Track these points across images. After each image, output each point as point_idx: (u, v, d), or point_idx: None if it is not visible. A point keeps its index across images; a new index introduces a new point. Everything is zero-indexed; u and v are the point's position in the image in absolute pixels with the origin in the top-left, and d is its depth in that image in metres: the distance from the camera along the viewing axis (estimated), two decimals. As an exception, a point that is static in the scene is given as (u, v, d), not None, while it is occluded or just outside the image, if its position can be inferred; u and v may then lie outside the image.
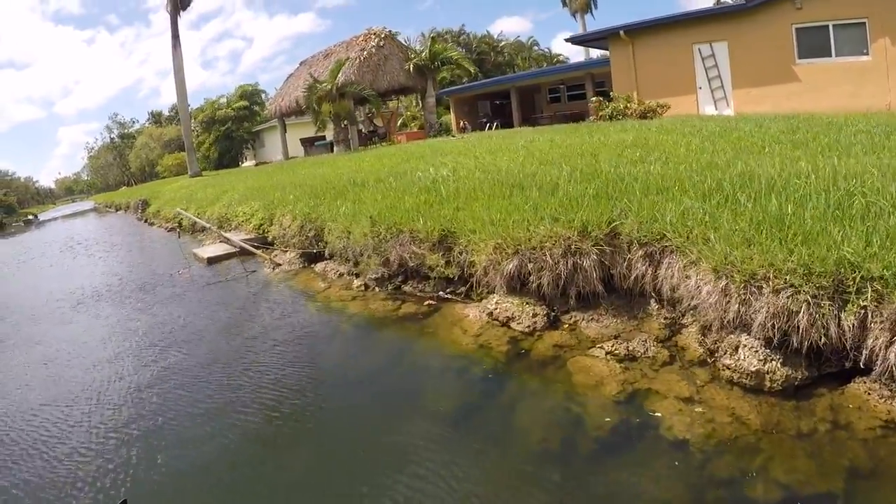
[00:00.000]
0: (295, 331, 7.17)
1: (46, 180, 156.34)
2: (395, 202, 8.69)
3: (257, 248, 11.96)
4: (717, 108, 18.63)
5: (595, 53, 34.36)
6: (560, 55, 64.20)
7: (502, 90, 31.71)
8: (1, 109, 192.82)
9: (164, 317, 8.95)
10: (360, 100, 26.65)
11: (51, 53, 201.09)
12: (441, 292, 6.98)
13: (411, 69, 27.09)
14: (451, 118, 34.19)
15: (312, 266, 10.26)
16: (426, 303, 7.00)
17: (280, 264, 11.06)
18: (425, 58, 27.16)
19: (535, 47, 60.54)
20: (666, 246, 5.13)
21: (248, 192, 17.07)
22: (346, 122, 23.53)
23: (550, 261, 5.53)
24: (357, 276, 8.49)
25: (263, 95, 47.77)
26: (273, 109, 28.31)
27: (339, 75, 22.90)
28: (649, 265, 5.28)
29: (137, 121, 77.63)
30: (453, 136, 23.23)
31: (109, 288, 11.98)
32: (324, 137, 29.77)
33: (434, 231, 7.03)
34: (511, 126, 26.91)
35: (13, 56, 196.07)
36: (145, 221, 26.04)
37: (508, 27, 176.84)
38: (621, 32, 20.13)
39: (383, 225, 7.89)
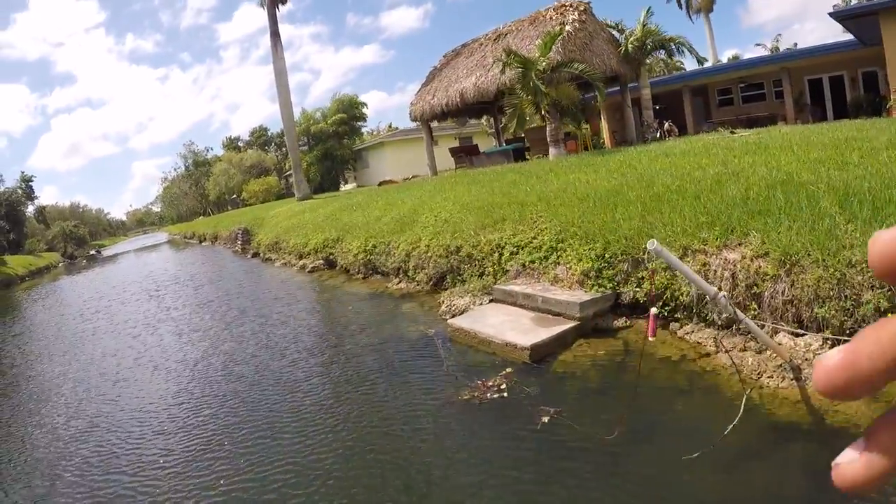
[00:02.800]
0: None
1: (118, 213, 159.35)
2: None
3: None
4: None
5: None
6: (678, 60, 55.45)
7: (666, 92, 24.52)
8: (79, 146, 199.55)
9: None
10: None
11: (126, 91, 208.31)
12: None
13: (621, 53, 19.40)
14: (586, 127, 26.37)
15: None
16: None
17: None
18: (639, 39, 19.33)
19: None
20: None
21: (481, 211, 9.47)
22: (562, 116, 15.63)
23: None
24: None
25: (364, 109, 40.93)
26: (417, 112, 20.87)
27: (551, 53, 15.15)
28: None
29: (212, 149, 73.39)
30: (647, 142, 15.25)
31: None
32: (510, 141, 22.07)
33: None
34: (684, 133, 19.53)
35: (91, 95, 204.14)
36: (254, 256, 18.83)
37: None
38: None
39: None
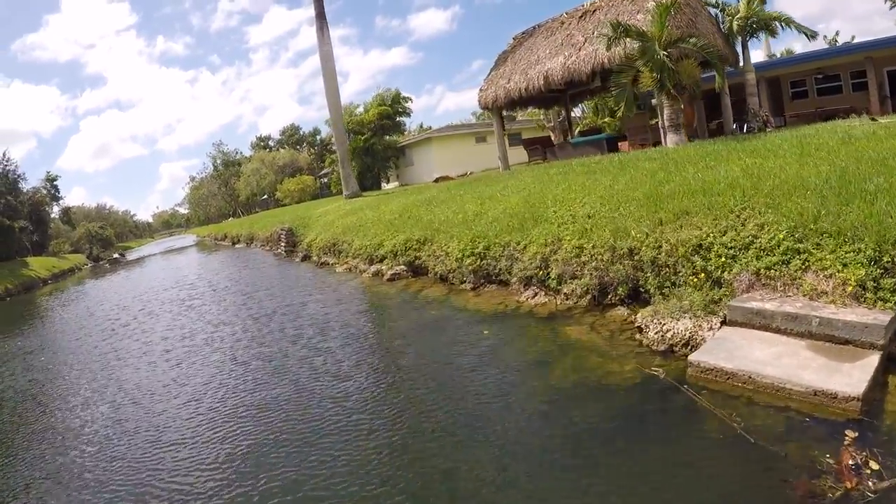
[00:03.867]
0: None
1: (145, 214, 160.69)
2: None
3: None
4: None
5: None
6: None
7: (733, 84, 21.58)
8: (108, 147, 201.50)
9: None
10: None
11: (155, 93, 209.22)
12: None
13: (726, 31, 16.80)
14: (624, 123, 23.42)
15: None
16: None
17: None
18: (744, 17, 16.68)
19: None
20: None
21: (646, 203, 6.93)
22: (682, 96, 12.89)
23: None
24: None
25: (409, 103, 38.32)
26: (488, 99, 18.29)
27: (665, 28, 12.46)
28: None
29: (240, 151, 71.61)
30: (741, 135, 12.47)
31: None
32: (596, 131, 19.43)
33: None
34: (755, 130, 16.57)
35: (120, 96, 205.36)
36: (304, 259, 16.42)
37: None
38: None
39: None
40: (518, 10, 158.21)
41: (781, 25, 17.74)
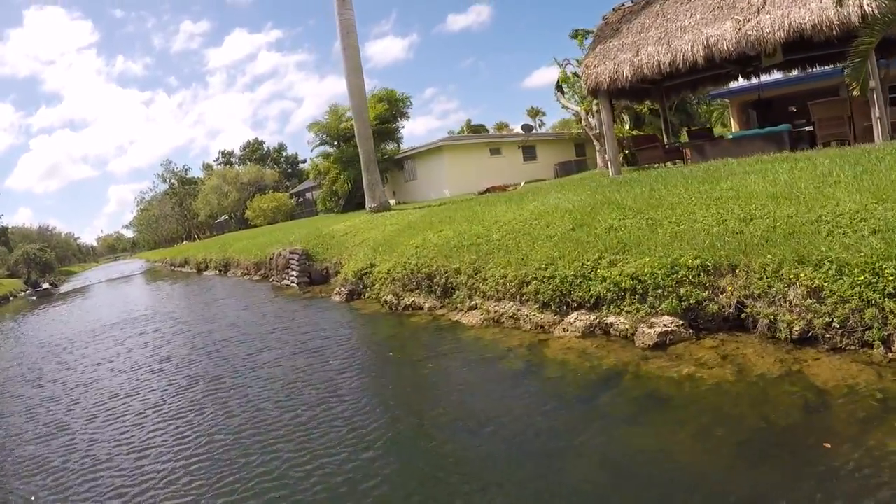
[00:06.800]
0: None
1: (89, 238, 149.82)
2: None
3: None
4: None
5: None
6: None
7: (803, 91, 17.99)
8: (58, 168, 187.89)
9: None
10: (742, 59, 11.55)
11: (111, 114, 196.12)
12: None
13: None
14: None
15: None
16: None
17: None
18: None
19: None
20: None
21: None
22: None
23: None
24: None
25: (408, 105, 32.27)
26: (603, 78, 12.75)
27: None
28: None
29: (191, 169, 63.81)
30: None
31: None
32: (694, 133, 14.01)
33: None
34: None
35: (74, 115, 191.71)
36: (353, 299, 10.20)
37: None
38: None
39: None
40: (473, 38, 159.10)
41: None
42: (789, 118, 16.67)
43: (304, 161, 60.76)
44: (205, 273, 26.46)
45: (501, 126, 53.65)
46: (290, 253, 14.36)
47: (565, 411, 4.40)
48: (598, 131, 23.91)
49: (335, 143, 31.56)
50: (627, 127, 26.76)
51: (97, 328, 12.74)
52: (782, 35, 10.36)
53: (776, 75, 18.47)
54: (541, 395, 4.83)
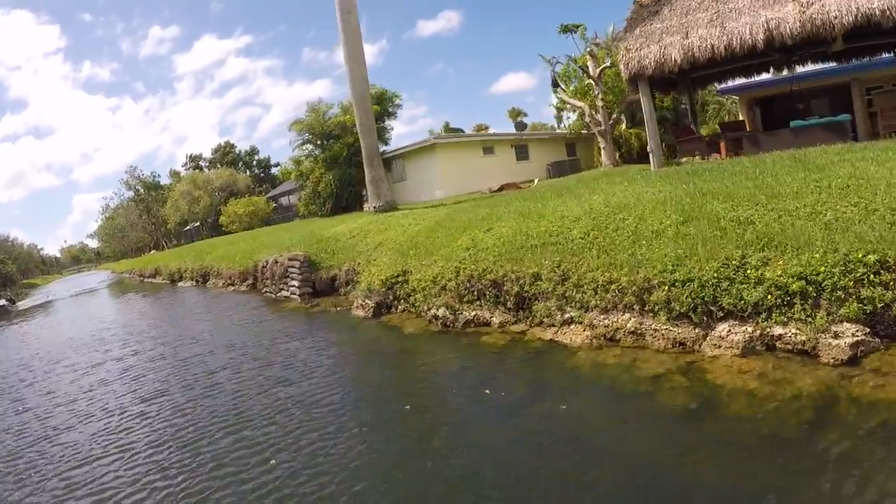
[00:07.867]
0: None
1: (53, 248, 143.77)
2: None
3: None
4: None
5: None
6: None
7: (817, 87, 16.72)
8: (22, 176, 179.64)
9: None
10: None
11: (76, 120, 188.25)
12: None
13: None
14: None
15: None
16: None
17: None
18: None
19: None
20: None
21: None
22: None
23: None
24: None
25: (398, 103, 30.53)
26: (647, 62, 11.35)
27: None
28: None
29: (159, 175, 60.48)
30: None
31: None
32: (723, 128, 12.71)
33: None
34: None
35: (39, 123, 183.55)
36: (378, 314, 8.51)
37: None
38: None
39: None
40: (442, 44, 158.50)
41: None
42: (795, 115, 15.59)
43: (277, 165, 58.41)
44: (179, 284, 24.24)
45: (481, 127, 52.23)
46: (290, 259, 12.52)
47: (807, 475, 2.82)
48: (603, 127, 22.58)
49: (319, 141, 29.63)
50: (624, 126, 25.64)
51: (57, 353, 10.69)
52: (850, 20, 9.46)
53: (779, 72, 17.41)
54: (745, 446, 3.25)
